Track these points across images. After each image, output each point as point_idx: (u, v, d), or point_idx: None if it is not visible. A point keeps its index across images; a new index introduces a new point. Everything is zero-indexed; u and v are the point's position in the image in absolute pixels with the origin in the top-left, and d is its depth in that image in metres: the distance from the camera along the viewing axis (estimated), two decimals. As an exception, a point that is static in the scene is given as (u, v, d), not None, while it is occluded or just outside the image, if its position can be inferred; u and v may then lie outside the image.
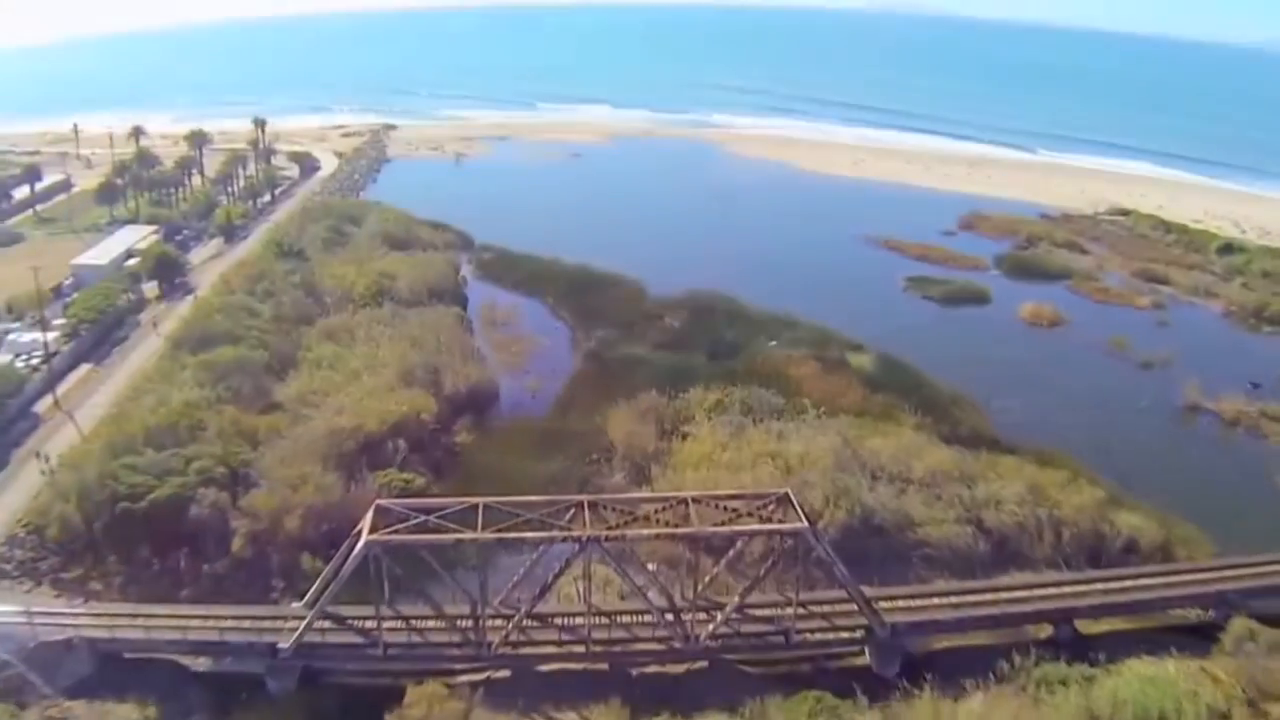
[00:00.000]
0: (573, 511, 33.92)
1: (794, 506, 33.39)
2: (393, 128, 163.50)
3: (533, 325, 73.75)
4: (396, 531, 33.20)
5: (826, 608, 35.10)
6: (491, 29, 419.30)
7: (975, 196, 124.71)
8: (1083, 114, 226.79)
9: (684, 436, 50.45)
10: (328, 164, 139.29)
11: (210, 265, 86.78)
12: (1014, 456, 49.52)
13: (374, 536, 32.68)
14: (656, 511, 33.96)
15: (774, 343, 67.78)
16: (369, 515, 33.90)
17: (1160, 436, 56.74)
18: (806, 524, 32.45)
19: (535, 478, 47.63)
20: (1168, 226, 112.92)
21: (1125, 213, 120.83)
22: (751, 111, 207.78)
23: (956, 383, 60.98)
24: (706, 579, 34.99)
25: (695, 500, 33.98)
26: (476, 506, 33.70)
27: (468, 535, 32.26)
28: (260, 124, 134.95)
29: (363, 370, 58.54)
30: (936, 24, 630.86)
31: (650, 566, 38.84)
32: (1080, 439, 53.15)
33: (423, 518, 33.35)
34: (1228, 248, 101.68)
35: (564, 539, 32.62)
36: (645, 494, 40.94)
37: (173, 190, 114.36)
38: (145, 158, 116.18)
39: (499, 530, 32.54)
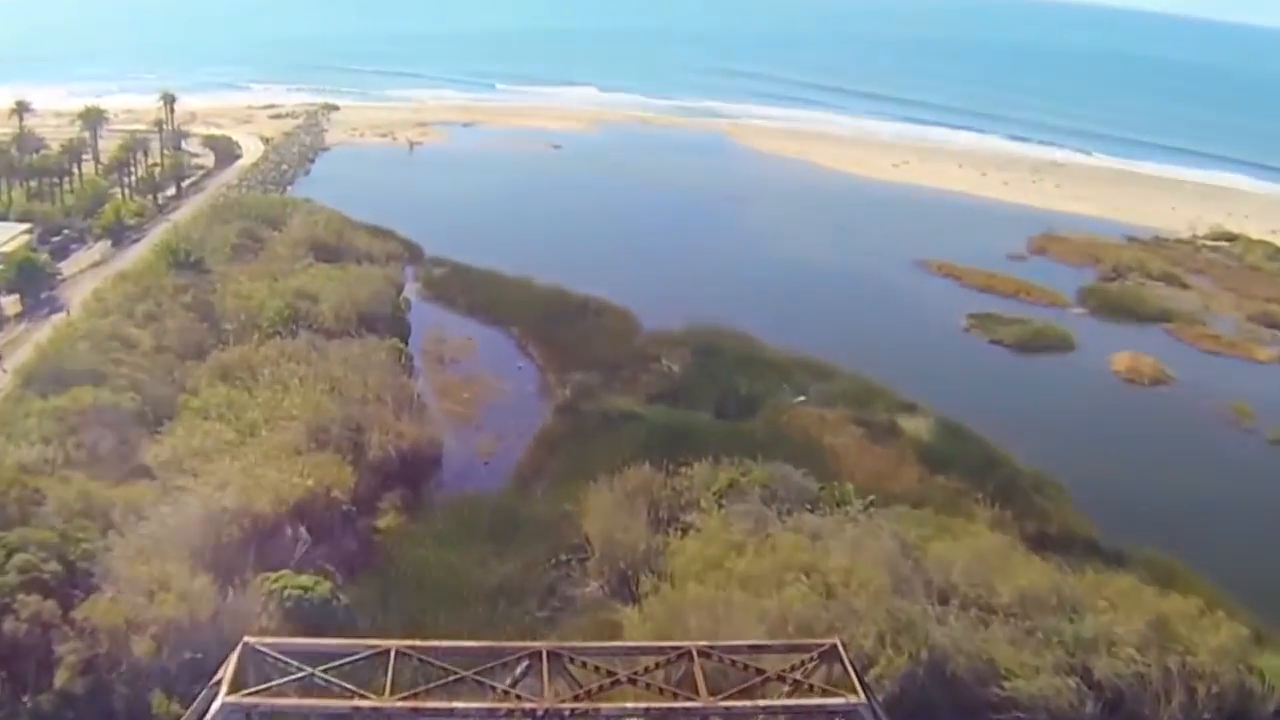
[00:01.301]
0: (525, 666, 27.84)
1: (846, 666, 27.42)
2: (334, 109, 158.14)
3: (491, 364, 68.13)
4: (269, 691, 27.08)
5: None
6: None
7: (1045, 211, 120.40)
8: (1161, 113, 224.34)
9: (684, 530, 44.53)
10: (251, 150, 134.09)
11: (90, 274, 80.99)
12: (1124, 570, 43.74)
13: (233, 699, 26.51)
14: (648, 670, 27.90)
15: (802, 398, 62.11)
16: (231, 661, 27.75)
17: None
18: (864, 698, 26.44)
19: (481, 585, 41.62)
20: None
21: (1231, 238, 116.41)
22: (772, 100, 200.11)
23: (1039, 459, 55.41)
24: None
25: (703, 654, 27.87)
26: (386, 654, 27.62)
27: (367, 704, 26.11)
28: (169, 100, 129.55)
29: (263, 424, 52.55)
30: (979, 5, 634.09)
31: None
32: (1208, 547, 47.45)
33: (306, 672, 27.23)
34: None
35: (509, 715, 26.44)
36: (632, 643, 34.59)
37: (58, 180, 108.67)
38: (26, 140, 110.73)
39: (414, 697, 26.39)
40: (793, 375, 65.24)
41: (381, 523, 48.09)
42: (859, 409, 59.98)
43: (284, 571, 41.57)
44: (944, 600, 39.04)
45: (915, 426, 58.84)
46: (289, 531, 44.20)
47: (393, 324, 71.49)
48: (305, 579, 41.36)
